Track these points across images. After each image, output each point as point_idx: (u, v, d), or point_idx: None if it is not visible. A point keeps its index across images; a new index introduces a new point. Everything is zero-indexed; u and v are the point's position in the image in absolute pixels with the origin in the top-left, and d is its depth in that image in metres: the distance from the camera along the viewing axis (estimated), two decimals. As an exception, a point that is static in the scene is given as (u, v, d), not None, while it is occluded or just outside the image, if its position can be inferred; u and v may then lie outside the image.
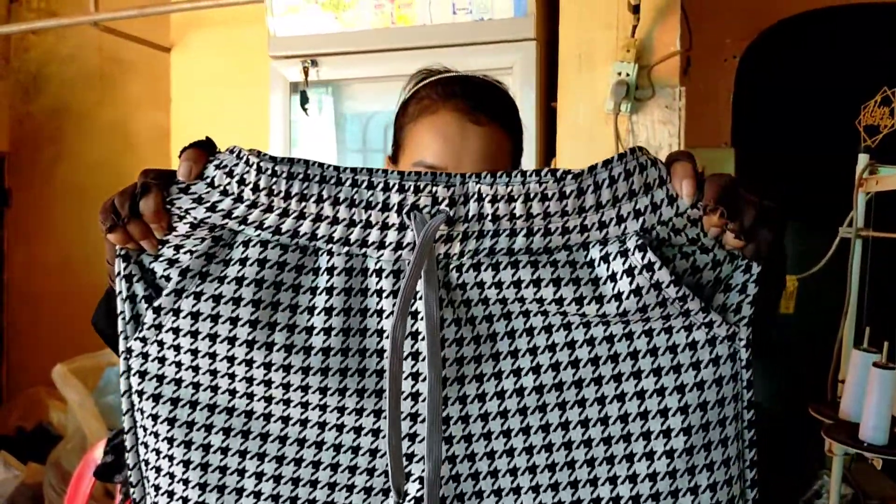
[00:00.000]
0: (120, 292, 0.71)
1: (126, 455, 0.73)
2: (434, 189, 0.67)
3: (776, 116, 3.11)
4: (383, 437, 0.71)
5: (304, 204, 0.68)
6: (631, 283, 0.66)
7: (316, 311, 0.69)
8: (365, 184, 0.68)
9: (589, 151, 2.13)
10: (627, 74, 2.03)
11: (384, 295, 0.69)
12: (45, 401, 3.71)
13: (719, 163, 2.75)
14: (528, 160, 2.01)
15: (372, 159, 2.56)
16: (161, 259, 0.71)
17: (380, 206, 0.67)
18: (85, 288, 4.21)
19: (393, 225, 0.68)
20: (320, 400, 0.70)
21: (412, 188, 0.67)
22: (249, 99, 2.84)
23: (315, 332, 0.69)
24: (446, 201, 0.67)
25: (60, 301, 4.17)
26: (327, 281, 0.69)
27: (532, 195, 0.66)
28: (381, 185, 0.67)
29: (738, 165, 2.78)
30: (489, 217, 0.67)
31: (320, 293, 0.69)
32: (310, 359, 0.69)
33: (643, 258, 0.66)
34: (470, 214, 0.67)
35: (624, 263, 0.67)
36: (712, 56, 2.84)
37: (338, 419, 0.71)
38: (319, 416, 0.71)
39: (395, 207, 0.67)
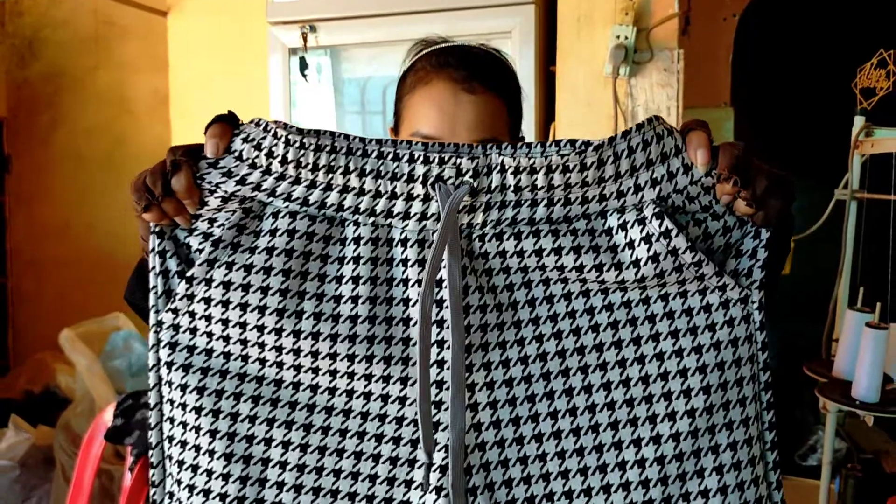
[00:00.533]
0: (153, 267, 0.73)
1: (150, 433, 0.75)
2: (458, 161, 0.69)
3: (776, 75, 3.12)
4: (409, 404, 0.72)
5: (331, 175, 0.70)
6: (648, 249, 0.69)
7: (343, 280, 0.71)
8: (390, 155, 0.70)
9: (588, 115, 2.15)
10: (626, 38, 2.04)
11: (409, 264, 0.71)
12: (52, 365, 3.77)
13: (719, 122, 2.78)
14: (527, 124, 2.03)
15: (370, 121, 2.58)
16: (195, 233, 0.73)
17: (405, 177, 0.70)
18: (87, 252, 4.26)
19: (417, 196, 0.70)
20: (348, 367, 0.72)
21: (437, 160, 0.69)
22: (247, 62, 2.85)
23: (343, 300, 0.71)
24: (470, 173, 0.69)
25: (63, 266, 4.22)
26: (354, 251, 0.71)
27: (554, 167, 0.69)
28: (406, 157, 0.70)
29: (738, 125, 2.80)
30: (511, 188, 0.69)
31: (347, 262, 0.71)
32: (338, 326, 0.71)
33: (661, 226, 0.68)
34: (493, 185, 0.69)
35: (642, 231, 0.69)
36: (711, 15, 2.85)
37: (365, 387, 0.73)
38: (347, 384, 0.73)
39: (420, 179, 0.70)
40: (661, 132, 0.70)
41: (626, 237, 0.70)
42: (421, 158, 0.70)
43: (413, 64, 1.13)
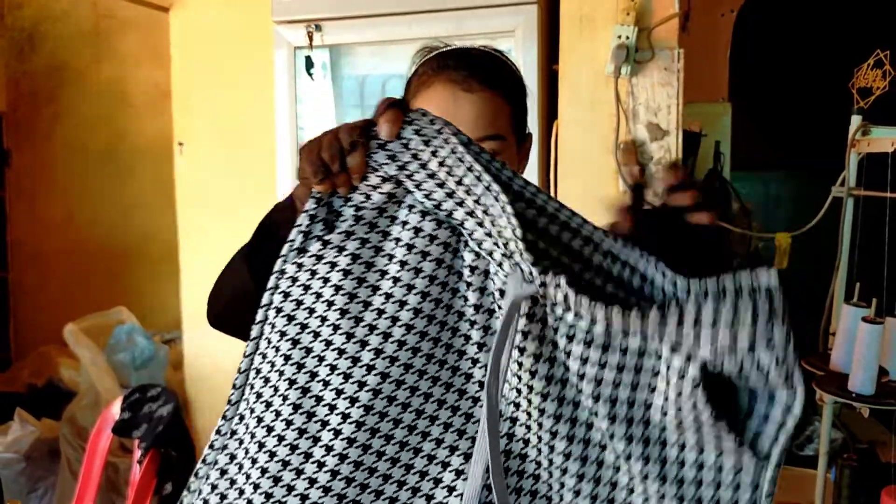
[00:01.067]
0: (299, 224, 0.80)
1: (242, 361, 0.81)
2: (523, 273, 0.74)
3: (773, 70, 3.18)
4: (459, 413, 0.80)
5: (465, 196, 0.77)
6: (676, 399, 0.72)
7: (447, 287, 0.79)
8: (507, 215, 0.74)
9: (590, 113, 2.20)
10: (627, 38, 2.09)
11: (469, 303, 0.79)
12: (55, 358, 3.81)
13: (716, 117, 2.83)
14: (531, 121, 2.08)
15: (368, 115, 2.62)
16: (349, 203, 0.80)
17: (503, 239, 0.75)
18: (89, 245, 4.30)
19: (506, 256, 0.76)
20: (408, 360, 0.79)
21: (519, 255, 0.74)
22: (249, 58, 2.88)
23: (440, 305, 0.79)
24: (536, 282, 0.73)
25: (65, 259, 4.26)
26: (461, 264, 0.79)
27: (612, 325, 0.72)
28: (509, 229, 0.74)
29: (735, 119, 2.86)
30: (572, 311, 0.73)
31: (454, 272, 0.79)
32: (428, 326, 0.79)
33: (691, 393, 0.71)
34: (556, 299, 0.73)
35: (678, 383, 0.72)
36: (709, 11, 2.89)
37: (429, 388, 0.79)
38: (413, 380, 0.79)
39: (509, 253, 0.75)
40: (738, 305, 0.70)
41: (666, 371, 0.72)
42: (513, 240, 0.74)
43: (416, 69, 1.19)
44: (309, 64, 2.33)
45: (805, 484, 2.16)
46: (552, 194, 2.21)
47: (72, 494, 2.53)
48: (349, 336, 0.78)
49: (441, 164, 0.77)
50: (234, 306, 1.04)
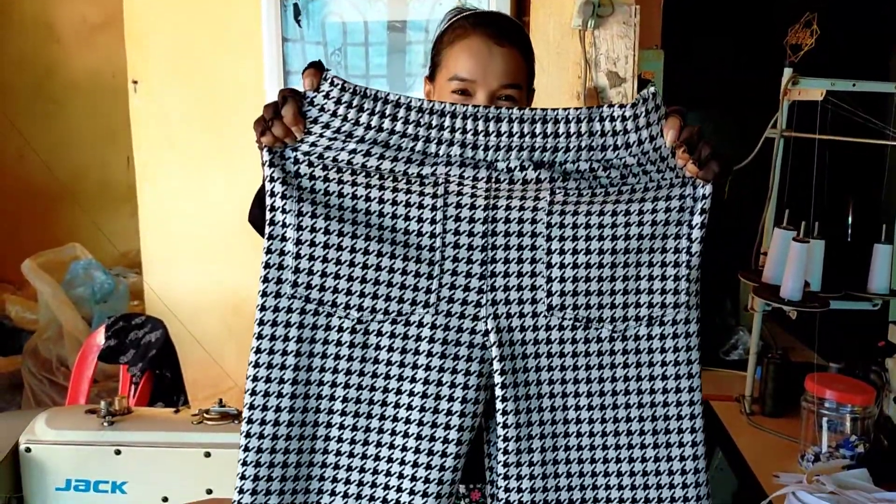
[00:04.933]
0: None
1: None
2: None
3: (703, 20, 3.62)
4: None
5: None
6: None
7: None
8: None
9: (557, 62, 2.55)
10: (592, -6, 2.44)
11: None
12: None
13: (651, 62, 3.23)
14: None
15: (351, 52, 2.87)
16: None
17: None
18: (19, 183, 4.36)
19: None
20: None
21: None
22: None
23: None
24: None
25: (-4, 198, 4.32)
26: None
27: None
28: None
29: (667, 65, 3.26)
30: None
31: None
32: None
33: None
34: None
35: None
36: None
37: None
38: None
39: None
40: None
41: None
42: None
43: (451, 24, 1.46)
44: (297, 12, 2.56)
45: (733, 382, 2.64)
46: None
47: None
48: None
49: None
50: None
